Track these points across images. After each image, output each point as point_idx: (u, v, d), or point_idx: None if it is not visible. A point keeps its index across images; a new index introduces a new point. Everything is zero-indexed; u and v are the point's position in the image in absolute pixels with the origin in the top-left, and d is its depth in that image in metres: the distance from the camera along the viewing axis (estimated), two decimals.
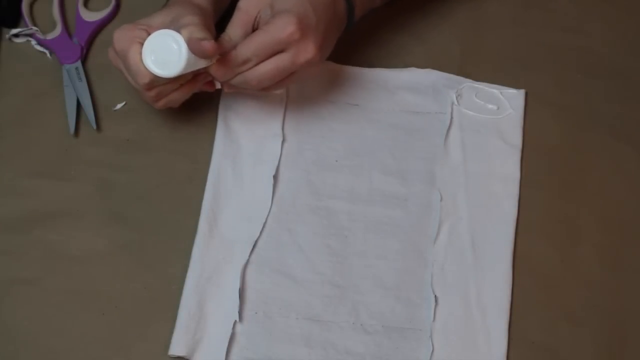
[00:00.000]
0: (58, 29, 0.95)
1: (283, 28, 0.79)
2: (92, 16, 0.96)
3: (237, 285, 0.82)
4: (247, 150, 0.89)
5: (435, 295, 0.82)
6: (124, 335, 0.81)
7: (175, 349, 0.80)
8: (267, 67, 0.81)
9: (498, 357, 0.81)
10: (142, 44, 0.79)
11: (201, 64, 0.79)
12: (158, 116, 0.91)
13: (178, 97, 0.84)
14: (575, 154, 0.90)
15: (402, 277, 0.84)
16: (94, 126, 0.90)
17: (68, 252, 0.84)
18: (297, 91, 0.92)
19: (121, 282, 0.83)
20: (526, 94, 0.93)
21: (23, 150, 0.89)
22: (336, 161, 0.89)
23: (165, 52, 0.78)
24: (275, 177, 0.87)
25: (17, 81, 0.93)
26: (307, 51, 0.81)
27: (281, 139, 0.89)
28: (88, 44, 0.95)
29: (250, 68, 0.81)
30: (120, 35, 0.81)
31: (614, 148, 0.91)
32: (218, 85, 0.86)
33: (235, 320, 0.81)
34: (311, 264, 0.84)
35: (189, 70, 0.79)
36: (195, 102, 0.91)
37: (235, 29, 0.82)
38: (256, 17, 0.82)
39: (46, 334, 0.81)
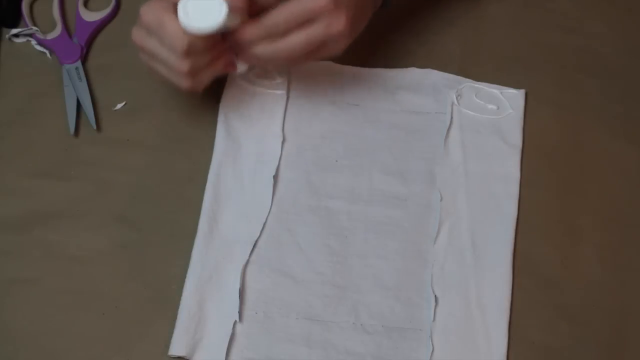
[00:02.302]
0: (58, 29, 0.95)
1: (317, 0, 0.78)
2: (92, 16, 0.96)
3: (237, 285, 0.82)
4: (247, 150, 0.89)
5: (435, 295, 0.82)
6: (124, 335, 0.81)
7: (175, 349, 0.80)
8: (299, 38, 0.79)
9: (498, 357, 0.81)
10: (175, 11, 0.77)
11: (234, 20, 0.79)
12: (158, 116, 0.91)
13: (208, 75, 0.82)
14: (575, 154, 0.90)
15: (402, 277, 0.84)
16: (94, 126, 0.90)
17: (68, 252, 0.84)
18: (297, 91, 0.92)
19: (121, 282, 0.83)
20: (526, 94, 0.93)
21: (23, 150, 0.89)
22: (336, 161, 0.89)
23: (201, 10, 0.77)
24: (275, 177, 0.87)
25: (17, 81, 0.93)
26: (339, 22, 0.79)
27: (281, 139, 0.89)
28: (88, 44, 0.95)
29: (279, 36, 0.79)
30: (149, 8, 0.79)
31: (614, 148, 0.91)
32: (240, 68, 0.85)
33: (235, 320, 0.81)
34: (311, 264, 0.84)
35: (225, 26, 0.78)
36: (196, 102, 0.92)
37: None
38: None
39: (46, 334, 0.81)
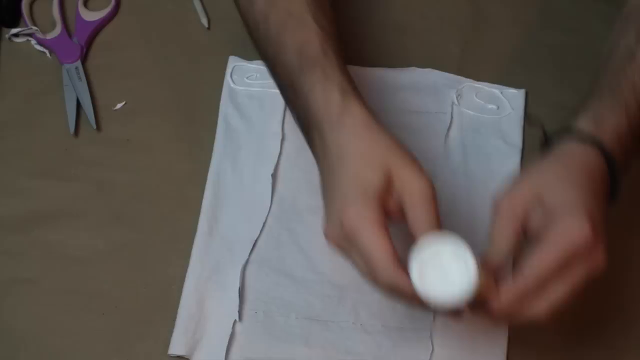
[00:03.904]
0: (58, 29, 0.95)
1: (578, 234, 0.64)
2: (92, 16, 0.96)
3: (237, 285, 0.82)
4: (247, 150, 0.89)
5: None
6: (124, 335, 0.81)
7: (175, 349, 0.80)
8: (562, 290, 0.65)
9: (498, 357, 0.81)
10: (385, 231, 0.67)
11: (478, 284, 0.63)
12: (158, 116, 0.91)
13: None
14: None
15: None
16: (94, 126, 0.90)
17: (68, 252, 0.84)
18: None
19: (121, 282, 0.83)
20: (526, 94, 0.93)
21: (23, 150, 0.89)
22: None
23: (440, 272, 0.62)
24: (275, 176, 0.87)
25: (17, 81, 0.93)
26: (600, 256, 0.66)
27: (281, 138, 0.89)
28: (88, 43, 0.95)
29: (534, 295, 0.65)
30: (354, 214, 0.67)
31: None
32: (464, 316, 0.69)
33: (235, 320, 0.81)
34: (311, 264, 0.84)
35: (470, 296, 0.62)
36: (196, 102, 0.92)
37: (503, 238, 0.67)
38: (525, 217, 0.68)
39: (46, 334, 0.81)
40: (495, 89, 0.93)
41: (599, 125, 0.71)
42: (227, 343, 0.80)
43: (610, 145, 0.71)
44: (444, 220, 0.85)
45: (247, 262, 0.84)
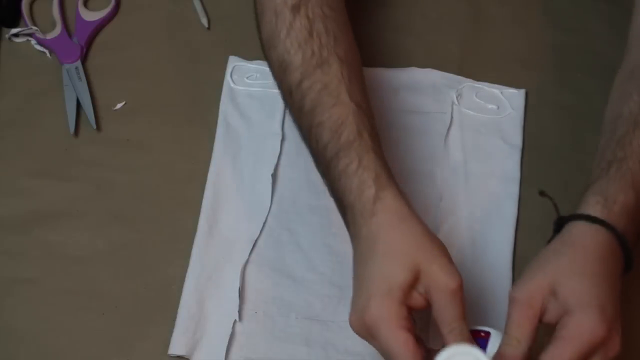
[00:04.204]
0: (58, 29, 0.95)
1: (592, 332, 0.67)
2: (92, 16, 0.96)
3: (237, 285, 0.82)
4: (247, 150, 0.89)
5: None
6: (124, 335, 0.81)
7: (175, 348, 0.80)
8: None
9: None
10: (405, 329, 0.69)
11: None
12: (158, 116, 0.91)
13: None
14: (575, 154, 0.90)
15: None
16: (94, 126, 0.90)
17: (68, 252, 0.84)
18: None
19: (121, 282, 0.83)
20: (526, 94, 0.93)
21: (23, 150, 0.89)
22: None
23: None
24: (275, 176, 0.87)
25: (17, 81, 0.93)
26: (616, 345, 0.69)
27: (281, 138, 0.89)
28: (88, 43, 0.95)
29: None
30: (375, 307, 0.69)
31: None
32: None
33: (235, 320, 0.81)
34: (311, 264, 0.84)
35: None
36: (196, 102, 0.92)
37: (521, 329, 0.69)
38: (542, 310, 0.70)
39: (46, 334, 0.81)
40: (495, 89, 0.93)
41: (608, 207, 0.72)
42: (227, 343, 0.80)
43: (621, 226, 0.72)
44: (444, 220, 0.86)
45: (247, 262, 0.84)
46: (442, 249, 0.72)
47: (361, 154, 0.74)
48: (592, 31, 0.97)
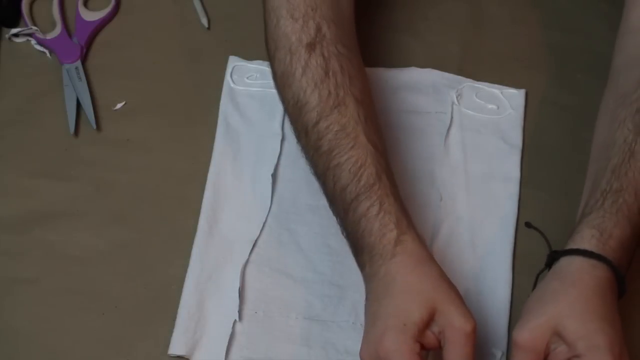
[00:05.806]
0: (58, 29, 0.95)
1: None
2: (92, 16, 0.96)
3: (237, 285, 0.82)
4: (247, 150, 0.89)
5: None
6: (124, 335, 0.81)
7: (175, 348, 0.80)
8: None
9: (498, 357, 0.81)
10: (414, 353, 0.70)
11: None
12: (158, 116, 0.91)
13: None
14: (575, 154, 0.90)
15: None
16: (94, 126, 0.90)
17: (68, 252, 0.84)
18: None
19: (121, 282, 0.83)
20: (526, 94, 0.93)
21: (23, 150, 0.89)
22: None
23: None
24: (275, 176, 0.87)
25: (17, 81, 0.93)
26: None
27: (281, 138, 0.89)
28: (88, 43, 0.95)
29: None
30: (389, 342, 0.70)
31: None
32: None
33: (235, 320, 0.81)
34: (311, 264, 0.84)
35: None
36: (196, 102, 0.92)
37: None
38: (546, 352, 0.71)
39: (46, 334, 0.81)
40: (495, 89, 0.93)
41: (604, 242, 0.73)
42: (227, 343, 0.80)
43: (617, 259, 0.73)
44: (444, 220, 0.86)
45: (247, 262, 0.84)
46: (458, 293, 0.73)
47: (382, 197, 0.74)
48: (592, 31, 0.97)
